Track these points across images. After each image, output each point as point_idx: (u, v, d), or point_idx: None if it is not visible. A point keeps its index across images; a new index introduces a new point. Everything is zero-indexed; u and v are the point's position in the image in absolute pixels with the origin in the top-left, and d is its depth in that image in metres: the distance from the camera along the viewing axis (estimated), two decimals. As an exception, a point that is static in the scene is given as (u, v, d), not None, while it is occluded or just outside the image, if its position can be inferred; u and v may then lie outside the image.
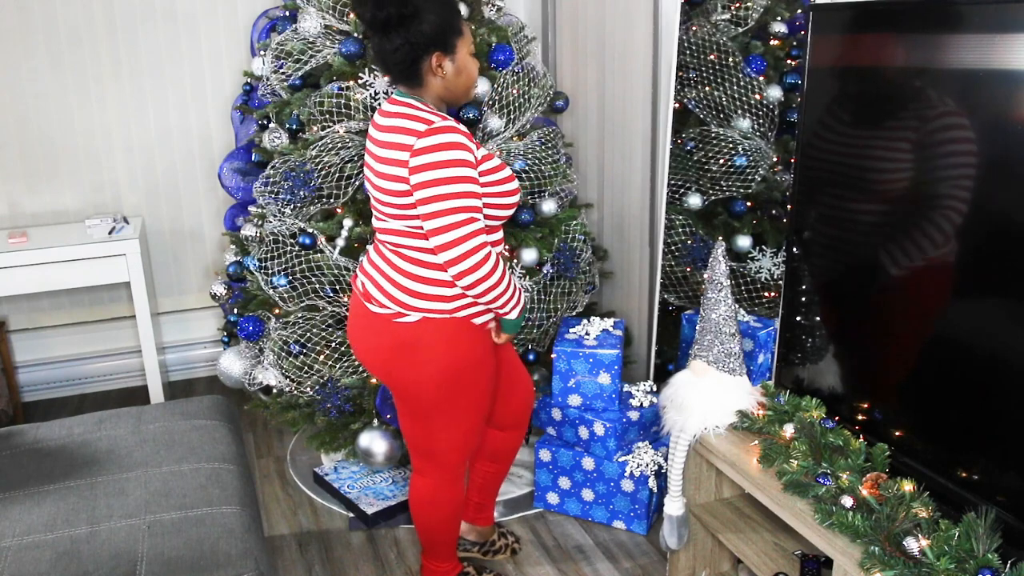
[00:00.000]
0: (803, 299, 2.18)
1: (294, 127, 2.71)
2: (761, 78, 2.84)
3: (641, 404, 2.68)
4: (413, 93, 1.95)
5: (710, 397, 2.11)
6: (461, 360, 2.01)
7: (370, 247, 2.13)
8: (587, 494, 2.70)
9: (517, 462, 2.99)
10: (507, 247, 2.68)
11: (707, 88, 2.88)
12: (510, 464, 2.43)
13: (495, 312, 2.03)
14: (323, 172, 2.56)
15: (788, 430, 1.96)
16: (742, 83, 2.83)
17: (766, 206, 2.96)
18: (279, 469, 3.09)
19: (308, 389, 2.62)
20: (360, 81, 2.57)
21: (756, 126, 2.86)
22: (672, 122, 2.71)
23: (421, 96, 1.94)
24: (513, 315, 2.02)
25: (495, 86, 2.67)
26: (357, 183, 2.56)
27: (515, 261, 2.69)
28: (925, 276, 1.81)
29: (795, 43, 2.96)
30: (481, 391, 2.08)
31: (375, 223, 2.03)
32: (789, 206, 2.35)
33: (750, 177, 2.82)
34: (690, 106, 2.89)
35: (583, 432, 2.65)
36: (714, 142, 2.83)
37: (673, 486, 2.19)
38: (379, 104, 2.54)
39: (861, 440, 1.88)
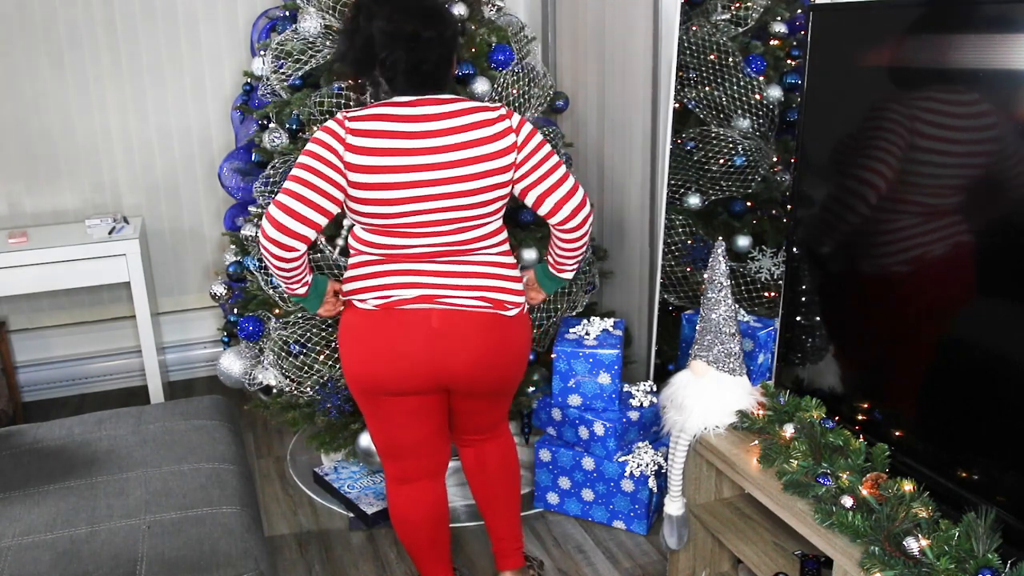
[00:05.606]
0: (803, 299, 2.18)
1: (294, 127, 2.71)
2: (761, 78, 2.84)
3: (641, 404, 2.68)
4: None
5: (710, 397, 2.10)
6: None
7: None
8: (587, 494, 2.70)
9: (517, 462, 2.99)
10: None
11: (707, 88, 2.88)
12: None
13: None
14: (323, 172, 2.55)
15: (788, 430, 1.96)
16: (742, 83, 2.83)
17: (766, 206, 2.96)
18: (279, 469, 3.09)
19: (308, 389, 2.62)
20: (360, 81, 2.57)
21: (756, 126, 2.86)
22: (672, 122, 2.71)
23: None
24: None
25: (495, 86, 2.67)
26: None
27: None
28: (925, 275, 1.81)
29: (795, 43, 2.96)
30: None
31: None
32: (789, 206, 2.35)
33: (750, 177, 2.82)
34: (690, 106, 2.89)
35: (583, 432, 2.65)
36: (714, 142, 2.83)
37: (673, 486, 2.19)
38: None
39: (861, 440, 1.88)
